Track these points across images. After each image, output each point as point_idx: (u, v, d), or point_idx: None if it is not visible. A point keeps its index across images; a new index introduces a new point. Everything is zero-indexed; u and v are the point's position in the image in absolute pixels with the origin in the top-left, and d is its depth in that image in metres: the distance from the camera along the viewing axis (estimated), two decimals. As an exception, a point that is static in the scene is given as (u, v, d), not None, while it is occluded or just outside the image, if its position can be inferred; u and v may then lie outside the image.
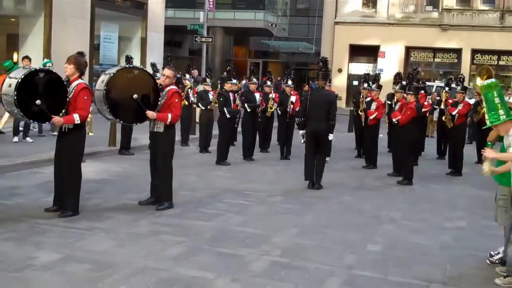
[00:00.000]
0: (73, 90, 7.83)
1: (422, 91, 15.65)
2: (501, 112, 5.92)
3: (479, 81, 6.29)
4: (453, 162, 13.92)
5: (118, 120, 8.70)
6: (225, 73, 15.23)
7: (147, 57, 25.69)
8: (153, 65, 15.76)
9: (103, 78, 8.46)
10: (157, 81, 8.85)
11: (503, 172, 6.30)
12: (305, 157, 11.27)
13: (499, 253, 6.80)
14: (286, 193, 10.57)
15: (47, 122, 7.85)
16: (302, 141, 11.35)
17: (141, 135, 13.51)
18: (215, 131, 14.40)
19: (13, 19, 23.21)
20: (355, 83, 30.58)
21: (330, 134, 11.13)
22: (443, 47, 36.28)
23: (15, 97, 7.40)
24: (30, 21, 22.18)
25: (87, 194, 9.01)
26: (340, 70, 37.48)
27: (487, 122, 6.10)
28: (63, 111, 7.76)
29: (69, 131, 7.86)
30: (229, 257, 6.57)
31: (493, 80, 6.15)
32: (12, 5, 22.93)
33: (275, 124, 15.80)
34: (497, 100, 5.92)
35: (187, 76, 16.71)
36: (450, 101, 14.88)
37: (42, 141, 13.99)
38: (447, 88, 16.03)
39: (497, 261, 6.77)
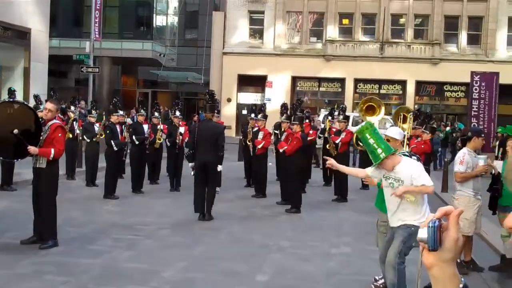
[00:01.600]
0: None
1: (307, 120, 16.07)
2: (379, 150, 6.03)
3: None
4: (339, 188, 14.35)
5: (-3, 156, 8.36)
6: (111, 106, 14.98)
7: (31, 88, 24.84)
8: (36, 97, 15.30)
9: (-19, 112, 8.12)
10: (39, 114, 8.59)
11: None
12: (195, 188, 11.27)
13: (382, 277, 7.05)
14: (175, 225, 10.50)
15: None
16: (192, 173, 11.34)
17: (24, 169, 12.99)
18: (102, 163, 14.10)
19: None
20: (244, 112, 31.07)
21: (219, 165, 11.20)
22: (327, 76, 37.50)
23: None
24: None
25: (-35, 235, 8.56)
26: (229, 100, 37.86)
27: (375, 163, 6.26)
28: None
29: None
30: (116, 295, 6.44)
31: (363, 124, 6.33)
32: None
33: (164, 155, 15.70)
34: (371, 141, 6.04)
35: (72, 108, 16.31)
36: (334, 129, 15.39)
37: None
38: (330, 117, 16.58)
39: (381, 286, 7.01)
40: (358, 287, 7.24)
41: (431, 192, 6.22)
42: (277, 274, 7.59)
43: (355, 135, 6.40)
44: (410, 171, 6.06)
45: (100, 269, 7.43)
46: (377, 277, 7.20)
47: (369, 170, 6.23)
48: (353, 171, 6.45)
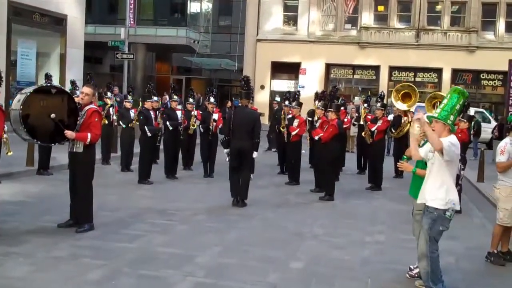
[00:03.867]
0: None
1: (342, 108, 15.97)
2: (451, 117, 6.13)
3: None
4: (373, 177, 14.24)
5: (35, 140, 8.44)
6: (145, 91, 15.06)
7: (67, 73, 25.12)
8: (73, 83, 15.44)
9: (19, 97, 8.21)
10: (76, 99, 8.66)
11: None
12: (230, 175, 11.28)
13: (417, 266, 6.97)
14: (209, 211, 10.53)
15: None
16: (227, 159, 11.35)
17: (60, 154, 13.15)
18: (137, 149, 14.21)
19: None
20: (278, 99, 30.88)
21: (254, 152, 11.19)
22: (361, 64, 37.20)
23: None
24: None
25: (3, 217, 8.70)
26: (262, 87, 37.81)
27: (434, 114, 6.26)
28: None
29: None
30: (151, 279, 6.47)
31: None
32: None
33: (198, 141, 15.75)
34: (458, 107, 6.13)
35: (109, 94, 16.43)
36: (369, 117, 15.28)
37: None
38: (365, 105, 16.45)
39: (416, 275, 6.94)
40: (393, 276, 7.17)
41: (435, 146, 6.07)
42: (311, 261, 7.56)
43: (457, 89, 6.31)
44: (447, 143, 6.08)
45: (135, 253, 7.48)
46: (411, 266, 7.13)
47: (445, 143, 6.12)
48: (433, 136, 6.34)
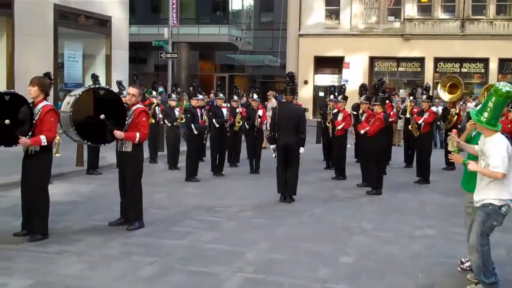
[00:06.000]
0: (39, 112, 7.74)
1: (388, 101, 15.81)
2: (485, 114, 5.97)
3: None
4: (421, 170, 14.08)
5: (85, 141, 8.61)
6: (190, 89, 15.19)
7: (112, 74, 25.47)
8: (119, 83, 15.67)
9: (69, 99, 8.38)
10: (123, 99, 8.80)
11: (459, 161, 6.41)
12: (277, 170, 11.29)
13: (469, 259, 6.87)
14: (257, 207, 10.56)
15: (14, 145, 7.72)
16: (274, 155, 11.36)
17: (109, 153, 13.37)
18: (183, 147, 14.34)
19: (-25, 40, 22.86)
20: (321, 94, 30.78)
21: (301, 148, 11.17)
22: (406, 56, 36.69)
23: (-20, 122, 7.30)
24: (-8, 42, 21.87)
25: (56, 216, 8.87)
26: (306, 82, 37.67)
27: (474, 117, 6.14)
28: (29, 133, 7.66)
29: (35, 154, 7.76)
30: (201, 276, 6.54)
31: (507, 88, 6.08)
32: (-27, 25, 22.58)
33: (243, 138, 15.81)
34: (490, 104, 5.94)
35: (154, 93, 16.62)
36: (416, 110, 15.10)
37: (7, 164, 13.74)
38: (411, 98, 16.26)
39: (468, 268, 6.84)
40: (444, 270, 7.08)
41: (498, 177, 5.90)
42: (360, 256, 7.53)
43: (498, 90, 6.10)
44: (489, 146, 5.96)
45: (185, 250, 7.56)
46: (463, 259, 7.03)
47: (495, 164, 6.01)
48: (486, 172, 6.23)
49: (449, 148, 6.66)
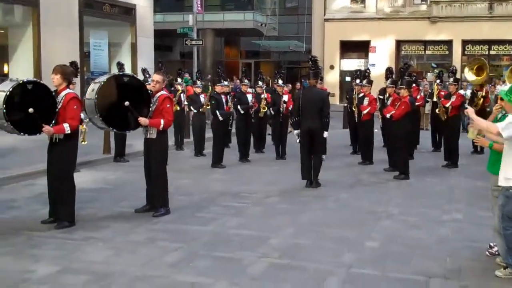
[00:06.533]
0: (62, 100, 7.78)
1: (414, 85, 15.62)
2: None
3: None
4: (449, 154, 13.91)
5: (110, 128, 8.65)
6: (215, 76, 15.18)
7: (138, 62, 25.60)
8: (144, 70, 15.70)
9: (93, 86, 8.41)
10: (147, 86, 8.81)
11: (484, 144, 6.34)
12: (301, 156, 11.24)
13: (496, 244, 6.78)
14: (282, 193, 10.54)
15: (37, 134, 7.78)
16: (298, 141, 11.32)
17: (136, 141, 13.44)
18: (209, 134, 14.36)
19: (2, 30, 23.09)
20: (348, 79, 30.48)
21: (325, 132, 11.11)
22: (433, 39, 36.29)
23: (4, 110, 7.36)
24: (18, 32, 22.07)
25: (83, 204, 8.95)
26: (332, 67, 37.47)
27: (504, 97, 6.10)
28: (53, 121, 7.71)
29: (60, 142, 7.81)
30: (227, 261, 6.54)
31: None
32: (1, 16, 22.82)
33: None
34: None
35: (179, 80, 16.65)
36: (443, 93, 14.91)
37: (35, 152, 13.90)
38: (438, 81, 16.04)
39: (496, 252, 6.74)
40: (472, 254, 6.99)
41: (493, 132, 5.90)
42: (386, 241, 7.47)
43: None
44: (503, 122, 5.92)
45: (210, 236, 7.58)
46: (492, 244, 6.93)
47: (500, 125, 5.94)
48: (488, 125, 6.17)
49: (469, 136, 6.61)
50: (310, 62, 11.39)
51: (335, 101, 34.48)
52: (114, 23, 26.17)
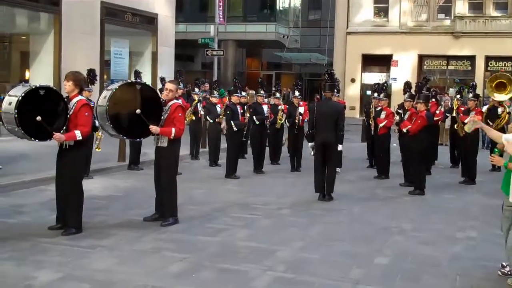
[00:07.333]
0: (74, 107, 7.76)
1: (433, 100, 15.42)
2: None
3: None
4: (467, 170, 13.70)
5: (121, 135, 8.61)
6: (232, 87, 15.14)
7: (158, 72, 25.69)
8: (162, 79, 15.71)
9: (105, 94, 8.38)
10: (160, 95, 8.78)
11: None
12: (315, 168, 11.12)
13: (509, 263, 6.61)
14: (294, 205, 10.42)
15: (48, 140, 7.76)
16: (312, 153, 11.20)
17: (151, 149, 13.35)
18: (225, 144, 14.29)
19: (25, 37, 23.36)
20: (369, 92, 30.26)
21: (339, 145, 10.97)
22: (456, 54, 35.97)
23: (16, 115, 7.35)
24: (40, 39, 22.29)
25: (92, 211, 8.92)
26: (353, 80, 37.29)
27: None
28: (64, 128, 7.69)
29: (70, 148, 7.78)
30: (231, 273, 6.44)
31: None
32: (24, 23, 23.06)
33: (285, 136, 15.66)
34: None
35: (196, 90, 16.63)
36: (462, 108, 14.70)
37: (48, 158, 13.92)
38: (458, 96, 15.84)
39: (509, 272, 6.58)
40: (483, 273, 6.81)
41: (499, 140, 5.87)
42: (397, 257, 7.31)
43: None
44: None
45: (216, 247, 7.48)
46: (504, 263, 6.75)
47: (506, 136, 5.82)
48: (495, 134, 6.10)
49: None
50: (326, 75, 11.31)
51: (355, 114, 34.32)
52: (135, 32, 26.33)
